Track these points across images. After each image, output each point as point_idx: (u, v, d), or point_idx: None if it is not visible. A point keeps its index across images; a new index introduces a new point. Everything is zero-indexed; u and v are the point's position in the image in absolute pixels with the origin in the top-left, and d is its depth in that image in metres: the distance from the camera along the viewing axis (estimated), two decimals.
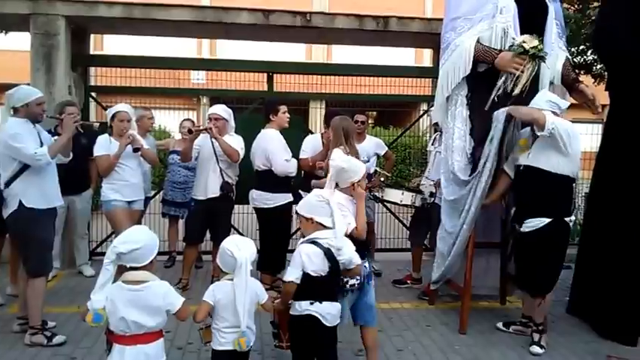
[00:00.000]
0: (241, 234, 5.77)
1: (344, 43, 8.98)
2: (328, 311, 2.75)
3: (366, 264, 3.16)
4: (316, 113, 8.41)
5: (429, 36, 6.12)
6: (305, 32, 6.35)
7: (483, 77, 3.68)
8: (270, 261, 4.70)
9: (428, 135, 5.84)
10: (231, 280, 2.56)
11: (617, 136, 4.01)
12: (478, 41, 3.63)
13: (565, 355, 3.71)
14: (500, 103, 3.67)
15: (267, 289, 3.84)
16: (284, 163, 4.60)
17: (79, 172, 4.95)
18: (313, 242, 2.77)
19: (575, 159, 3.63)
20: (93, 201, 5.50)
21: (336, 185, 3.13)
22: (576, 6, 6.83)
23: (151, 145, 5.29)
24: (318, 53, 17.81)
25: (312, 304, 2.73)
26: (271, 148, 4.60)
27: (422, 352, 3.66)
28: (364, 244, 3.15)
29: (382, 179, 5.42)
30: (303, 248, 2.77)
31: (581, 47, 6.87)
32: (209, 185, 4.76)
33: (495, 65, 3.57)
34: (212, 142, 4.71)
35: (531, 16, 3.64)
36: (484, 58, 3.62)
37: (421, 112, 7.26)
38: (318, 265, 2.73)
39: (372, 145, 5.55)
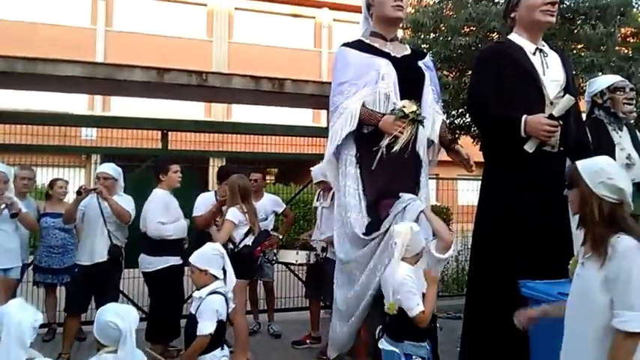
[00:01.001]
0: (132, 301, 5.43)
1: (242, 103, 9.10)
2: (228, 352, 3.16)
3: (428, 347, 2.99)
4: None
5: (323, 98, 6.37)
6: (202, 91, 6.37)
7: (370, 138, 3.87)
8: (161, 329, 4.44)
9: None
10: (112, 352, 2.43)
11: (489, 192, 4.37)
12: (363, 105, 3.85)
13: None
14: (387, 162, 3.83)
15: None
16: (156, 226, 4.43)
17: None
18: (215, 292, 3.05)
19: None
20: None
21: None
22: (454, 74, 7.55)
23: (31, 208, 4.90)
24: (218, 111, 17.85)
25: (222, 349, 3.06)
26: (146, 209, 4.46)
27: None
28: (428, 331, 2.99)
29: (280, 237, 5.42)
30: (215, 299, 3.02)
31: (460, 110, 7.56)
32: (96, 249, 4.49)
33: (379, 127, 3.79)
34: (99, 202, 4.47)
35: (410, 83, 3.95)
36: (369, 121, 3.84)
37: None
38: (225, 311, 3.08)
39: (270, 202, 5.57)
